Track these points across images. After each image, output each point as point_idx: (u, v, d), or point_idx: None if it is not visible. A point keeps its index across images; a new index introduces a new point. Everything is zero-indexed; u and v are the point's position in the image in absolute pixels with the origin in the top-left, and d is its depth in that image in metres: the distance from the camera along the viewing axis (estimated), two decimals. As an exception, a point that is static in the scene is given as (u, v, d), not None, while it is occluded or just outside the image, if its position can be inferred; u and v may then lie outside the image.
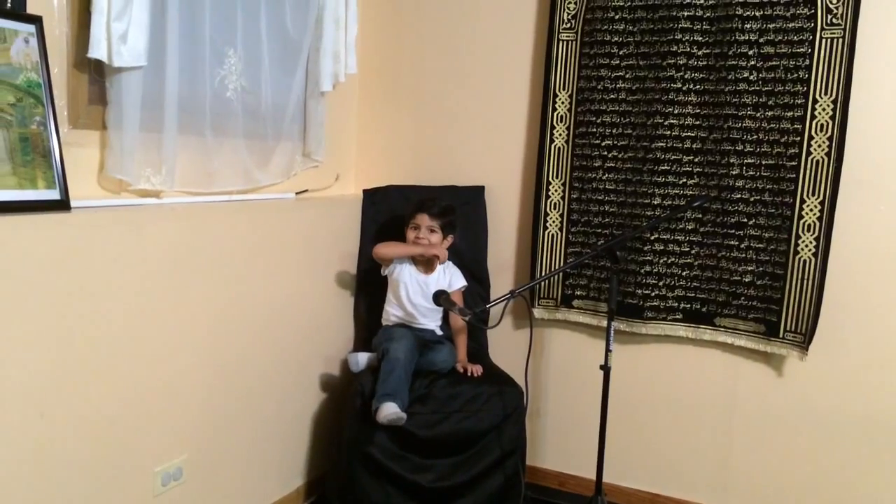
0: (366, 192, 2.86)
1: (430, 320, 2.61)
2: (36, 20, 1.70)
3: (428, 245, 2.53)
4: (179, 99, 2.05)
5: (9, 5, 1.66)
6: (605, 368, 2.27)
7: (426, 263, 2.58)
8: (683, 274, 2.55)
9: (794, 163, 2.35)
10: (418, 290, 2.55)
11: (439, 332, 2.63)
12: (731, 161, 2.44)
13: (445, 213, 2.58)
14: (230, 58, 2.25)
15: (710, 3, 2.41)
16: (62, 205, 1.71)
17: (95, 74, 1.88)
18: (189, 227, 2.03)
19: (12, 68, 1.65)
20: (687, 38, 2.44)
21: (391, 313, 2.62)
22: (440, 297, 2.25)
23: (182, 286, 2.01)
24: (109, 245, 1.78)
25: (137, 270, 1.86)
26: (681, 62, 2.46)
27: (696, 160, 2.49)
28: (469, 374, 2.52)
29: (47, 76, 1.72)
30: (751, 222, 2.44)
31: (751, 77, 2.38)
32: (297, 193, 2.64)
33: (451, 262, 2.65)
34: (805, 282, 2.37)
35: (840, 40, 2.26)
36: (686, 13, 2.43)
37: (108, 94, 1.88)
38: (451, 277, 2.61)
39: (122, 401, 1.86)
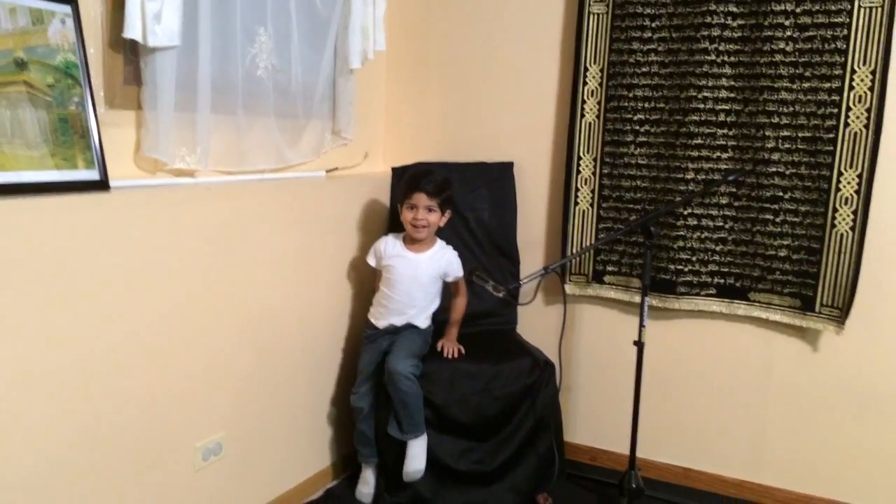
0: (395, 169, 2.85)
1: (418, 310, 2.42)
2: (72, 1, 1.70)
3: None
4: (212, 78, 2.05)
5: (45, -14, 1.67)
6: (639, 344, 2.27)
7: (417, 240, 2.42)
8: (717, 249, 2.52)
9: (831, 135, 2.31)
10: (408, 272, 2.40)
11: (419, 324, 2.44)
12: (767, 134, 2.40)
13: (443, 189, 2.38)
14: (260, 36, 2.24)
15: (746, -28, 2.37)
16: (102, 185, 1.73)
17: (130, 55, 1.89)
18: (225, 205, 2.05)
19: (50, 49, 1.66)
20: (721, 8, 2.40)
21: (377, 305, 2.48)
22: (474, 272, 2.25)
23: (218, 264, 2.03)
24: (148, 224, 1.80)
25: (175, 249, 1.88)
26: (715, 34, 2.41)
27: (731, 133, 2.46)
28: (445, 353, 2.42)
29: (84, 57, 1.72)
30: (786, 196, 2.40)
31: (787, 48, 2.34)
32: (327, 171, 2.64)
33: (447, 245, 2.49)
34: (842, 255, 2.34)
35: (879, 9, 2.21)
36: (720, -17, 2.39)
37: (142, 74, 1.89)
38: (447, 263, 2.43)
39: (163, 378, 1.89)
